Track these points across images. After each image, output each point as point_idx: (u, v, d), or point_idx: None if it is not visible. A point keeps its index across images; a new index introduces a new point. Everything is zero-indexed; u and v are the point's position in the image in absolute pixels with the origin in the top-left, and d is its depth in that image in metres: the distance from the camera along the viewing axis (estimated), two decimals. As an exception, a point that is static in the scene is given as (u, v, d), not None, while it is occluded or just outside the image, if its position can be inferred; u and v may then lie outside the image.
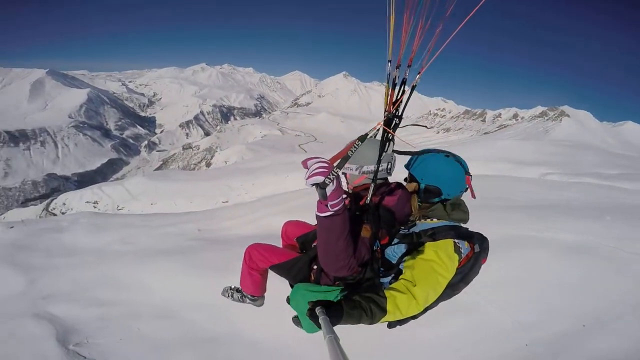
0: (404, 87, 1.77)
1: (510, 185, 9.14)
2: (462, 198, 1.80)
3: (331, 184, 1.29)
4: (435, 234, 1.57)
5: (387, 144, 1.79)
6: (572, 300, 3.33)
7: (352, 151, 1.52)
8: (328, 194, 1.32)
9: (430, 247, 1.53)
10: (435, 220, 1.69)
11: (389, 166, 1.86)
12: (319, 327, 1.20)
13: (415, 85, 1.77)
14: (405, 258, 1.58)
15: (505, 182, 9.99)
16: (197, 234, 8.00)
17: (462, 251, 1.56)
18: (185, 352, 4.85)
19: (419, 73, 1.72)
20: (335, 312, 1.29)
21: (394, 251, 1.67)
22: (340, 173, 1.37)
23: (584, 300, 3.32)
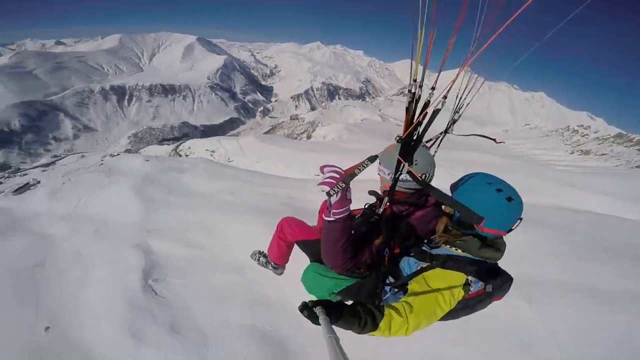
0: (424, 110, 1.48)
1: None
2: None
3: (335, 195, 1.40)
4: (447, 262, 1.51)
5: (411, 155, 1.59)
6: None
7: (359, 170, 1.47)
8: (332, 202, 1.43)
9: (438, 276, 1.49)
10: (459, 251, 1.55)
11: (424, 177, 1.73)
12: (319, 325, 1.24)
13: (439, 109, 1.53)
14: (415, 279, 1.56)
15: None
16: (288, 200, 8.15)
17: (472, 289, 1.51)
18: (240, 308, 4.96)
19: (444, 97, 1.51)
20: (334, 315, 1.31)
21: (409, 264, 1.66)
22: (344, 186, 1.41)
23: None
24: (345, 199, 1.47)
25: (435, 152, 2.13)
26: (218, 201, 8.33)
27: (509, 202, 1.45)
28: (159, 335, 5.05)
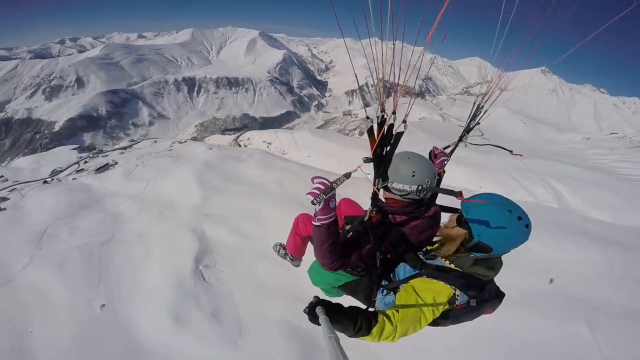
0: (385, 131, 1.69)
1: None
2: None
3: (318, 204, 1.59)
4: (435, 272, 1.61)
5: (383, 165, 1.75)
6: None
7: (336, 184, 1.61)
8: (316, 210, 1.64)
9: (426, 286, 1.58)
10: (452, 266, 1.64)
11: (419, 189, 1.79)
12: (319, 325, 1.31)
13: (401, 133, 1.72)
14: (404, 286, 1.66)
15: None
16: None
17: (458, 301, 1.58)
18: (278, 302, 4.82)
19: (403, 121, 1.73)
20: (334, 316, 1.37)
21: (404, 270, 1.80)
22: (325, 197, 1.58)
23: None
24: (328, 208, 1.64)
25: (447, 161, 2.38)
26: (269, 192, 8.30)
27: (520, 221, 1.48)
28: (200, 322, 5.15)
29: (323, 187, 1.59)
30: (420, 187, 1.78)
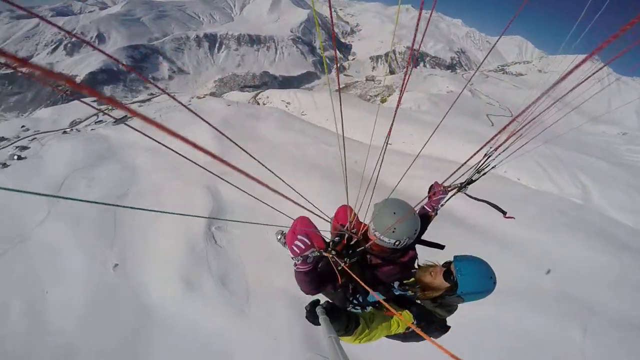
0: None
1: None
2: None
3: (296, 259, 1.82)
4: (399, 301, 1.98)
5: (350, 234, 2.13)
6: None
7: (312, 252, 1.83)
8: (294, 262, 1.85)
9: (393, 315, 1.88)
10: (418, 301, 1.97)
11: (395, 244, 1.93)
12: (316, 324, 1.43)
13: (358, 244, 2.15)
14: (377, 305, 2.03)
15: None
16: (351, 163, 7.25)
17: (411, 328, 1.80)
18: (287, 270, 4.93)
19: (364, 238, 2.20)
20: (333, 316, 1.51)
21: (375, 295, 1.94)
22: (304, 257, 1.82)
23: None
24: (306, 263, 1.86)
25: (444, 201, 2.47)
26: (285, 153, 7.87)
27: (490, 279, 1.79)
28: (209, 287, 5.04)
29: (303, 247, 1.79)
30: (397, 243, 1.93)
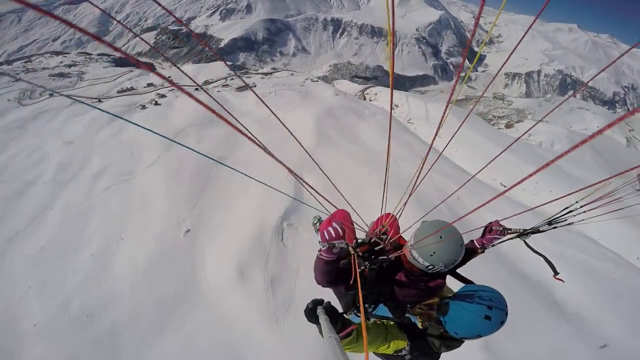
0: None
1: None
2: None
3: (322, 245, 1.82)
4: (403, 326, 1.96)
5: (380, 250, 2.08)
6: None
7: (341, 243, 1.79)
8: (321, 248, 1.86)
9: (394, 333, 1.91)
10: (421, 326, 1.97)
11: (429, 267, 1.83)
12: (319, 325, 1.40)
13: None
14: (378, 318, 2.00)
15: None
16: (454, 201, 6.34)
17: (402, 353, 1.90)
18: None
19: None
20: (333, 317, 1.53)
21: (382, 308, 2.15)
22: (331, 245, 1.80)
23: None
24: (331, 252, 1.86)
25: (497, 242, 2.34)
26: (379, 163, 7.39)
27: (500, 325, 1.69)
28: (258, 283, 4.96)
29: (334, 235, 1.77)
30: (430, 267, 1.81)
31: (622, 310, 10.51)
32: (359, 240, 2.17)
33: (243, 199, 6.26)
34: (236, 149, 8.14)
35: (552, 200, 1.66)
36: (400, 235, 2.29)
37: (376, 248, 2.08)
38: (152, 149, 9.94)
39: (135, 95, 25.91)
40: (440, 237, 1.75)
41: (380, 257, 1.99)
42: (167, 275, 6.36)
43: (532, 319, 9.84)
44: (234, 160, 7.53)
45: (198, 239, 6.03)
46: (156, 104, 24.02)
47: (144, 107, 23.44)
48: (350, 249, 1.91)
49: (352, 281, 1.91)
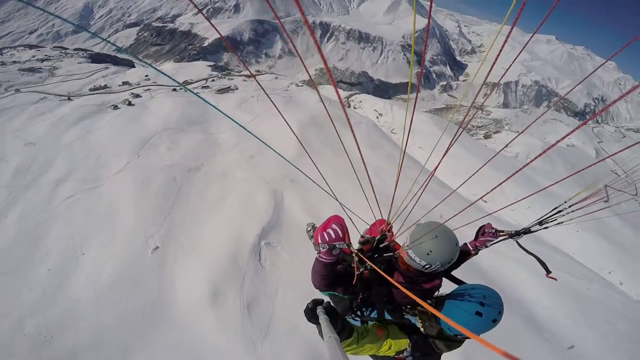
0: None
1: None
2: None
3: (322, 247, 1.80)
4: (403, 326, 1.98)
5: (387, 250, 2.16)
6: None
7: (341, 244, 1.78)
8: (320, 250, 1.85)
9: (393, 329, 1.95)
10: (421, 328, 1.95)
11: (425, 267, 1.86)
12: (318, 325, 1.40)
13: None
14: (376, 320, 2.03)
15: None
16: (438, 217, 6.25)
17: (403, 355, 1.90)
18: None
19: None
20: (333, 317, 1.55)
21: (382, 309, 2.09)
22: (330, 247, 1.80)
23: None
24: (330, 254, 1.85)
25: (490, 244, 2.41)
26: (362, 176, 7.06)
27: (493, 323, 1.70)
28: (232, 306, 4.39)
29: (334, 237, 1.78)
30: (427, 266, 1.85)
31: (598, 327, 10.64)
32: (362, 240, 2.24)
33: (217, 215, 5.72)
34: (211, 158, 7.60)
35: (511, 204, 2.16)
36: (395, 240, 2.32)
37: (381, 245, 2.18)
38: (121, 154, 9.09)
39: (108, 94, 24.48)
40: (436, 236, 1.80)
41: (385, 255, 2.09)
42: (133, 295, 5.76)
43: (512, 335, 9.79)
44: (209, 170, 6.97)
45: (168, 257, 5.45)
46: (130, 104, 22.59)
47: (116, 107, 21.93)
48: (353, 248, 1.95)
49: (354, 281, 2.01)
